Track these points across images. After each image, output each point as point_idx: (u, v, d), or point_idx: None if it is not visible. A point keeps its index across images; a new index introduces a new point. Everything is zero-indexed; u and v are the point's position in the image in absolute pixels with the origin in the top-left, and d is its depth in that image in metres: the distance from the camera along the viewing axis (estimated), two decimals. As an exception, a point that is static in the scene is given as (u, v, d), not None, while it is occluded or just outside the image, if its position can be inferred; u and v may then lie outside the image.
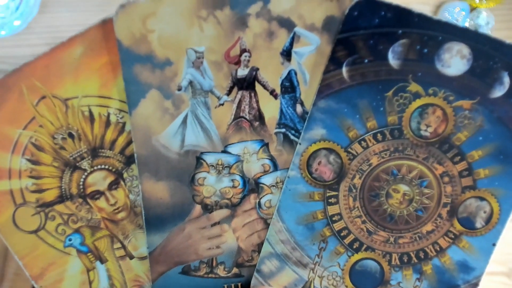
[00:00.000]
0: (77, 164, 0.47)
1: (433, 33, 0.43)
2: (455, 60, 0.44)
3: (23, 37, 0.56)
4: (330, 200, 0.47)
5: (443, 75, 0.44)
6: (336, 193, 0.47)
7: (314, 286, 0.48)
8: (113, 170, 0.48)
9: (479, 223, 0.46)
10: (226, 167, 0.48)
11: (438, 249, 0.47)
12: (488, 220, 0.46)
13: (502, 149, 0.45)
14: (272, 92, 0.47)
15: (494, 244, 0.46)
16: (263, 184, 0.48)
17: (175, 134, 0.47)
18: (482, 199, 0.46)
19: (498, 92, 0.44)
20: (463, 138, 0.45)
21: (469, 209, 0.46)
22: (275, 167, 0.48)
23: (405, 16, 0.43)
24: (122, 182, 0.48)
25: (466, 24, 0.54)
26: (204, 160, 0.47)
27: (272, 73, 0.46)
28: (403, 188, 0.47)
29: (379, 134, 0.46)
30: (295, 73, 0.46)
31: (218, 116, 0.47)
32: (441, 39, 0.43)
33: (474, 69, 0.44)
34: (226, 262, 0.49)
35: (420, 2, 0.58)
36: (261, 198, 0.48)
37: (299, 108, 0.47)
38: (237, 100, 0.47)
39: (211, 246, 0.48)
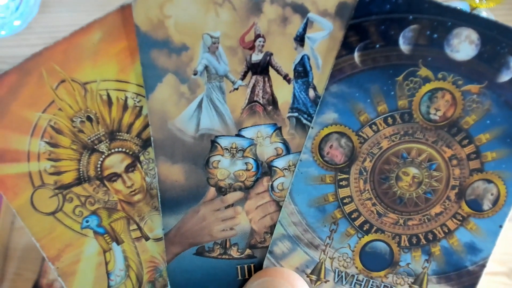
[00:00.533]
0: (95, 147, 0.48)
1: (442, 18, 0.45)
2: (463, 45, 0.45)
3: (23, 37, 0.56)
4: (341, 183, 0.48)
5: (452, 60, 0.45)
6: (347, 176, 0.48)
7: (325, 267, 0.49)
8: (130, 153, 0.49)
9: (486, 205, 0.47)
10: (240, 150, 0.49)
11: (446, 230, 0.48)
12: (495, 202, 0.47)
13: (509, 133, 0.46)
14: (286, 77, 0.48)
15: (501, 226, 0.47)
16: (275, 167, 0.49)
17: (191, 118, 0.48)
18: (489, 181, 0.47)
19: (505, 77, 0.45)
20: (471, 121, 0.46)
21: (477, 192, 0.47)
22: (288, 151, 0.49)
23: (415, 2, 0.45)
24: (138, 165, 0.49)
25: None
26: (219, 144, 0.48)
27: (285, 58, 0.47)
28: (413, 171, 0.48)
29: (389, 118, 0.47)
30: (308, 58, 0.47)
31: (233, 101, 0.48)
32: (450, 24, 0.45)
33: (482, 54, 0.45)
34: (239, 243, 0.50)
35: None
36: (273, 181, 0.49)
37: (311, 93, 0.48)
38: (251, 84, 0.48)
39: (225, 227, 0.49)
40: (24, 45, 0.56)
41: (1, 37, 0.55)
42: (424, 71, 0.46)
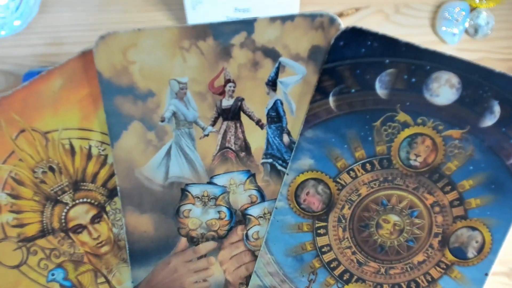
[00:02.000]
0: (59, 198, 0.46)
1: (420, 62, 0.43)
2: (443, 90, 0.43)
3: (23, 37, 0.56)
4: (319, 231, 0.46)
5: (432, 104, 0.43)
6: (325, 224, 0.46)
7: (303, 319, 0.47)
8: (96, 203, 0.47)
9: (471, 253, 0.45)
10: (212, 198, 0.47)
11: (429, 279, 0.46)
12: (480, 250, 0.45)
13: (493, 179, 0.44)
14: (258, 122, 0.46)
15: (486, 274, 0.45)
16: (250, 215, 0.47)
17: (159, 166, 0.46)
18: (473, 229, 0.45)
19: (488, 121, 0.43)
20: (453, 167, 0.44)
21: (461, 239, 0.45)
22: (263, 198, 0.47)
23: (392, 45, 0.43)
24: (105, 216, 0.47)
25: (466, 24, 0.54)
26: (189, 192, 0.46)
27: (257, 103, 0.45)
28: (393, 218, 0.46)
29: (368, 164, 0.45)
30: (281, 103, 0.45)
31: (203, 147, 0.46)
32: (429, 68, 0.43)
33: (464, 98, 0.43)
34: (213, 295, 0.48)
35: (420, 2, 0.57)
36: (248, 229, 0.47)
37: (286, 138, 0.46)
38: (222, 130, 0.46)
39: (198, 279, 0.47)
40: (24, 45, 0.56)
41: (1, 37, 0.54)
42: (402, 116, 0.44)
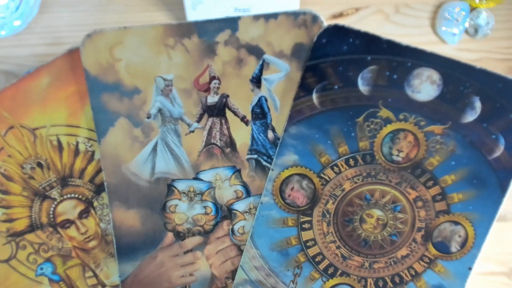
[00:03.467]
0: (47, 193, 0.47)
1: (402, 59, 0.43)
2: (425, 86, 0.43)
3: (23, 37, 0.56)
4: (304, 226, 0.47)
5: (414, 100, 0.44)
6: (310, 218, 0.47)
7: (289, 312, 0.48)
8: (83, 198, 0.47)
9: (454, 247, 0.46)
10: (198, 194, 0.47)
11: (413, 273, 0.47)
12: (463, 244, 0.46)
13: (475, 174, 0.44)
14: (243, 119, 0.46)
15: (470, 268, 0.46)
16: (236, 210, 0.47)
17: (145, 161, 0.46)
18: (456, 223, 0.46)
19: (469, 117, 0.43)
20: (435, 163, 0.45)
21: (444, 234, 0.46)
22: (248, 193, 0.47)
23: (373, 42, 0.43)
24: (92, 211, 0.48)
25: (466, 24, 0.54)
26: (176, 187, 0.47)
27: (242, 100, 0.46)
28: (377, 213, 0.46)
29: (351, 159, 0.46)
30: (266, 100, 0.46)
31: (189, 143, 0.47)
32: (410, 65, 0.43)
33: (445, 95, 0.43)
34: (199, 289, 0.48)
35: (420, 2, 0.57)
36: (234, 224, 0.48)
37: (270, 134, 0.46)
38: (207, 127, 0.46)
39: (184, 273, 0.48)
40: (24, 45, 0.56)
41: (1, 37, 0.55)
42: (384, 112, 0.44)
